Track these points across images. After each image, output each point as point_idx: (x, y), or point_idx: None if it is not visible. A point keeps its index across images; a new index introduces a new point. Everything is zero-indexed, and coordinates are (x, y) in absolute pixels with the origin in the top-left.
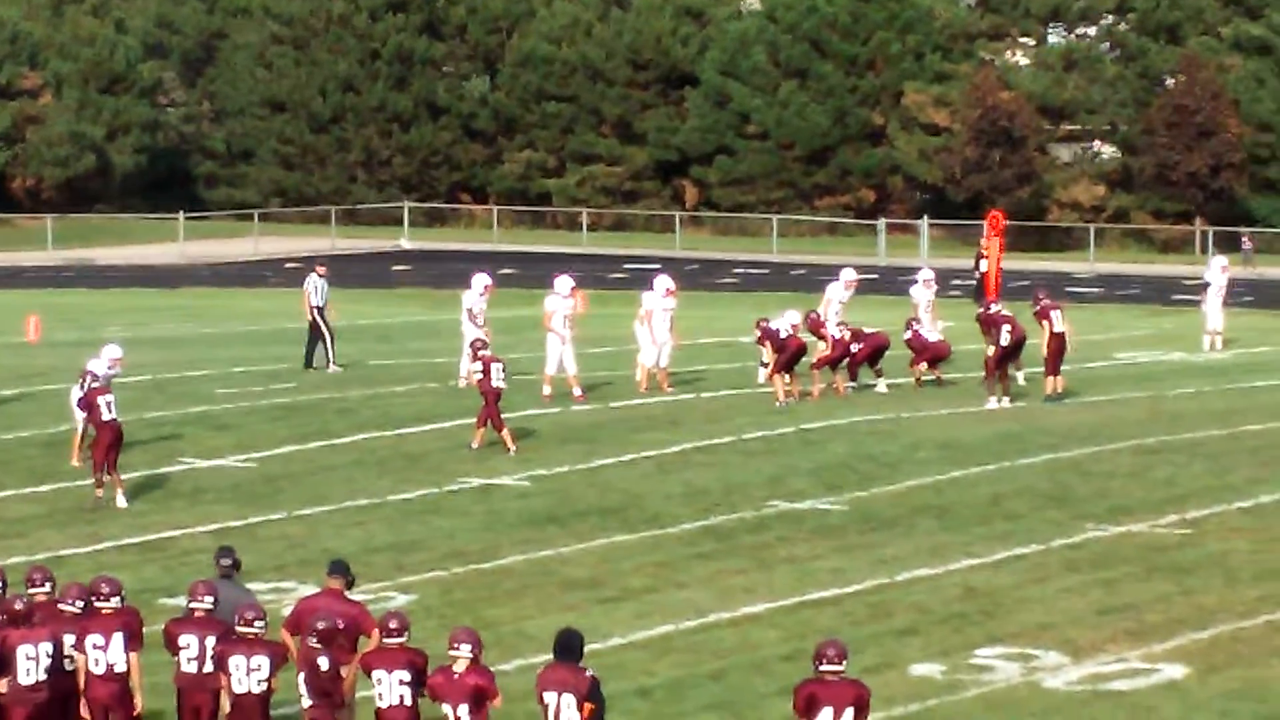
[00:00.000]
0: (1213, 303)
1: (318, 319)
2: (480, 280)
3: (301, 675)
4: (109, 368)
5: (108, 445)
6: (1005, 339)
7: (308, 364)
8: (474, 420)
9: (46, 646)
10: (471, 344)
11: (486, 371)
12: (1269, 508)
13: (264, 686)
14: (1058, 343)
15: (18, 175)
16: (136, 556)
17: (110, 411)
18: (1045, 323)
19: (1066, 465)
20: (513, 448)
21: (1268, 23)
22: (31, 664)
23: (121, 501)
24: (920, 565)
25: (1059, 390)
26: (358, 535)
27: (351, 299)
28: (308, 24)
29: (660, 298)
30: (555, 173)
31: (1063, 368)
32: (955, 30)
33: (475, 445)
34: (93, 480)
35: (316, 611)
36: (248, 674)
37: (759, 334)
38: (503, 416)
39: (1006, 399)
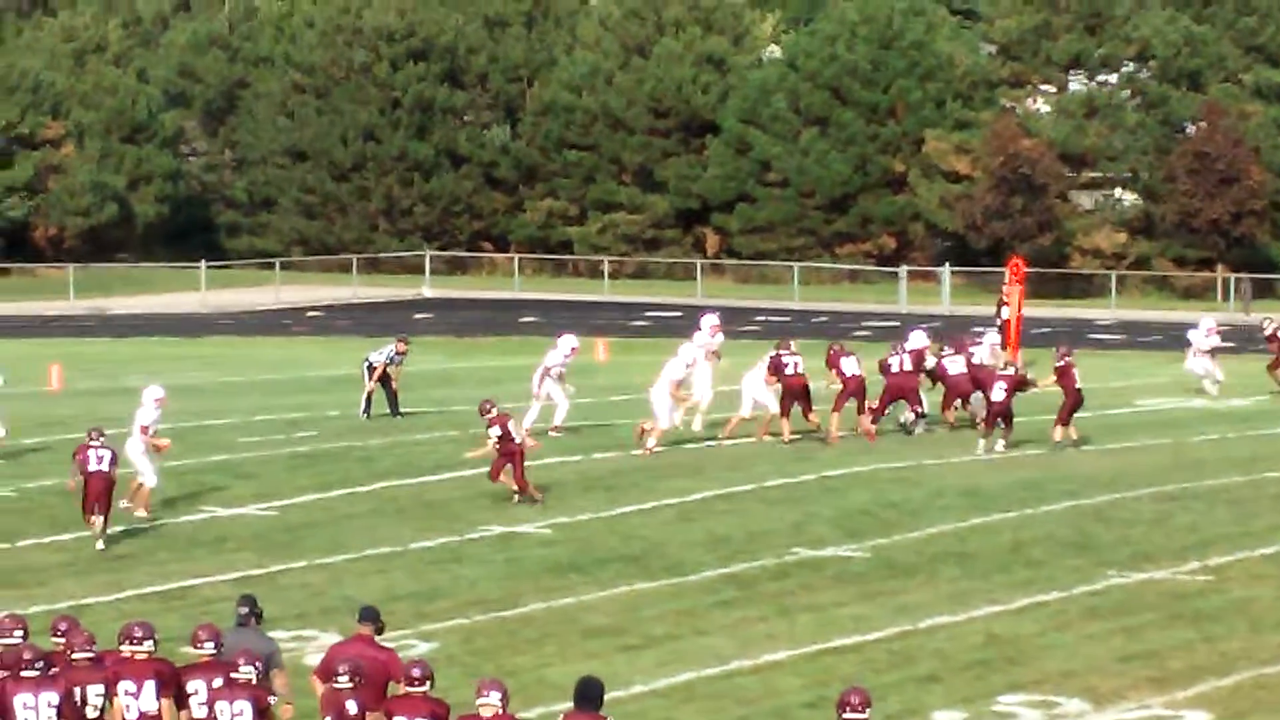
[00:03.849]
0: (1193, 361)
1: (385, 377)
2: (568, 342)
3: None
4: (155, 408)
5: (96, 494)
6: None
7: (394, 411)
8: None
9: (49, 697)
10: (481, 406)
11: (506, 432)
12: None
13: None
14: (1077, 398)
15: (40, 225)
16: (158, 605)
17: (100, 464)
18: (1066, 380)
19: (1088, 512)
20: (539, 497)
21: None
22: (30, 714)
23: (100, 545)
24: (942, 612)
25: (1075, 438)
26: (379, 583)
27: (373, 347)
28: (329, 73)
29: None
30: (576, 221)
31: (1082, 414)
32: (976, 78)
33: (534, 494)
34: (91, 525)
35: (347, 660)
36: (231, 719)
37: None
38: (528, 464)
39: (1002, 443)
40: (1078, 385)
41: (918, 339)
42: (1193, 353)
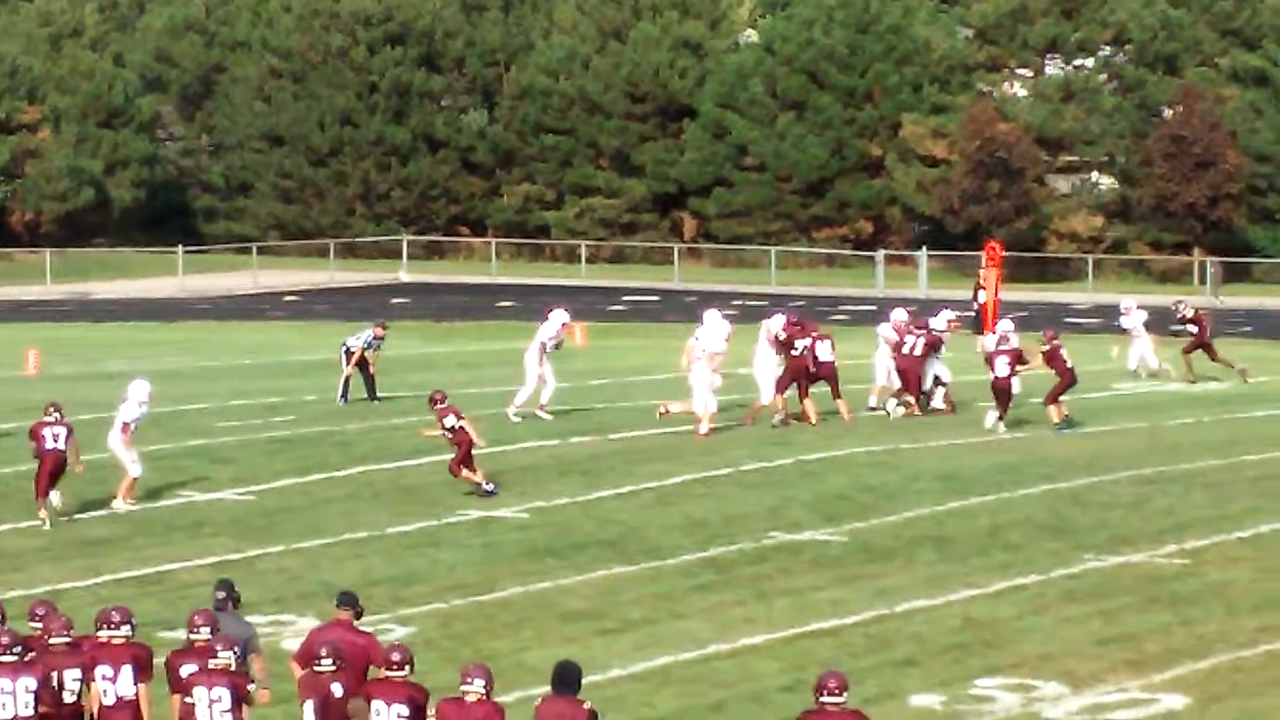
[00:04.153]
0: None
1: (363, 362)
2: (559, 316)
3: (309, 704)
4: (139, 407)
5: (49, 473)
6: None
7: (372, 396)
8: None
9: (27, 681)
10: (432, 397)
11: (458, 422)
12: (1268, 538)
13: (227, 718)
14: (1070, 378)
15: (16, 210)
16: (135, 590)
17: (55, 442)
18: (1055, 362)
19: (1065, 496)
20: (489, 485)
21: (1265, 54)
22: (8, 699)
23: (47, 525)
24: (919, 596)
25: (1063, 416)
26: (356, 568)
27: (350, 332)
28: (306, 58)
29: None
30: (553, 205)
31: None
32: (953, 62)
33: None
34: (39, 505)
35: (327, 643)
36: (209, 705)
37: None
38: (506, 447)
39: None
40: (1070, 365)
41: (897, 314)
42: (1135, 342)
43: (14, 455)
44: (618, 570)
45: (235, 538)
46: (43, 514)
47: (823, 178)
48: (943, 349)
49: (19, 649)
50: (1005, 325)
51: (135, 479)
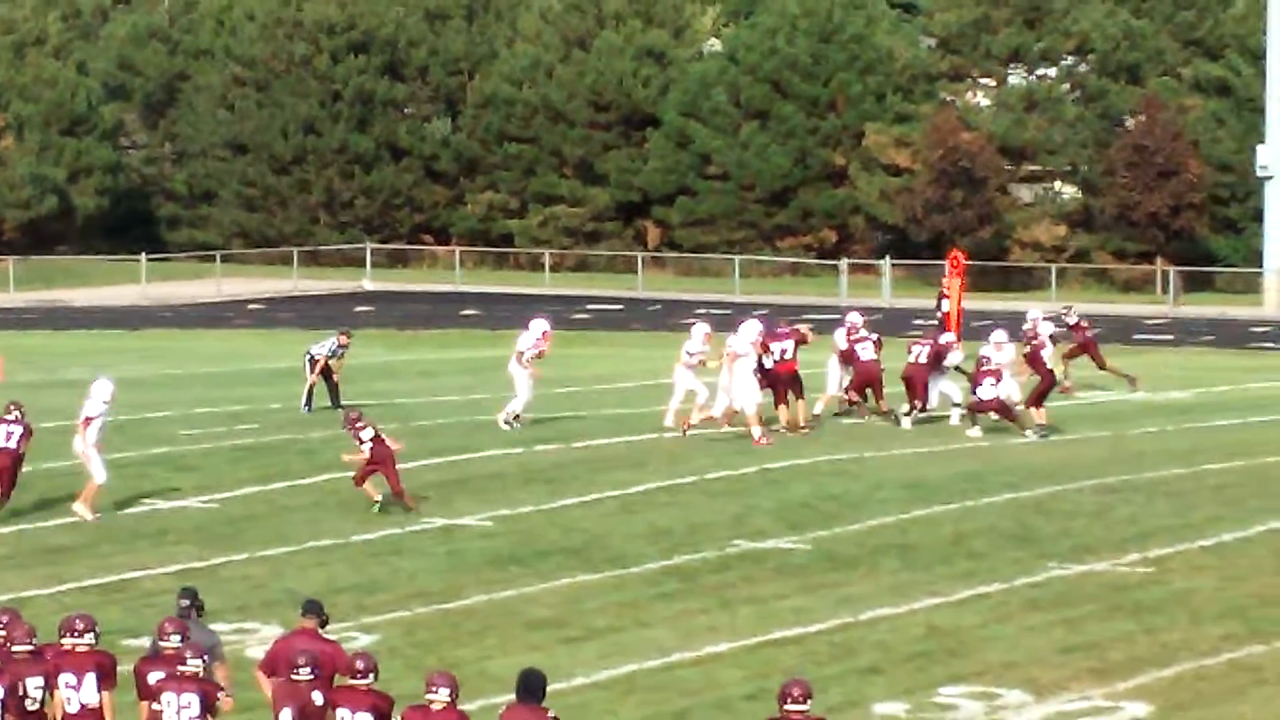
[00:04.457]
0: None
1: (326, 370)
2: (539, 325)
3: (287, 712)
4: (103, 404)
5: (2, 468)
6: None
7: (335, 404)
8: (434, 461)
9: None
10: (347, 417)
11: (378, 435)
12: (1231, 546)
13: None
14: (1050, 379)
15: None
16: (99, 598)
17: (8, 441)
18: (1034, 364)
19: (1029, 504)
20: (413, 505)
21: (1227, 63)
22: None
23: None
24: (883, 604)
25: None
26: (320, 576)
27: (314, 340)
28: (269, 66)
29: (699, 345)
30: (517, 214)
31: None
32: (916, 71)
33: (409, 502)
34: None
35: (292, 651)
36: (178, 711)
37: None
38: (470, 455)
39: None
40: (1050, 367)
41: (852, 317)
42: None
43: None
44: (582, 578)
45: (199, 545)
46: None
47: (786, 187)
48: (948, 359)
49: None
50: (999, 336)
51: (99, 485)
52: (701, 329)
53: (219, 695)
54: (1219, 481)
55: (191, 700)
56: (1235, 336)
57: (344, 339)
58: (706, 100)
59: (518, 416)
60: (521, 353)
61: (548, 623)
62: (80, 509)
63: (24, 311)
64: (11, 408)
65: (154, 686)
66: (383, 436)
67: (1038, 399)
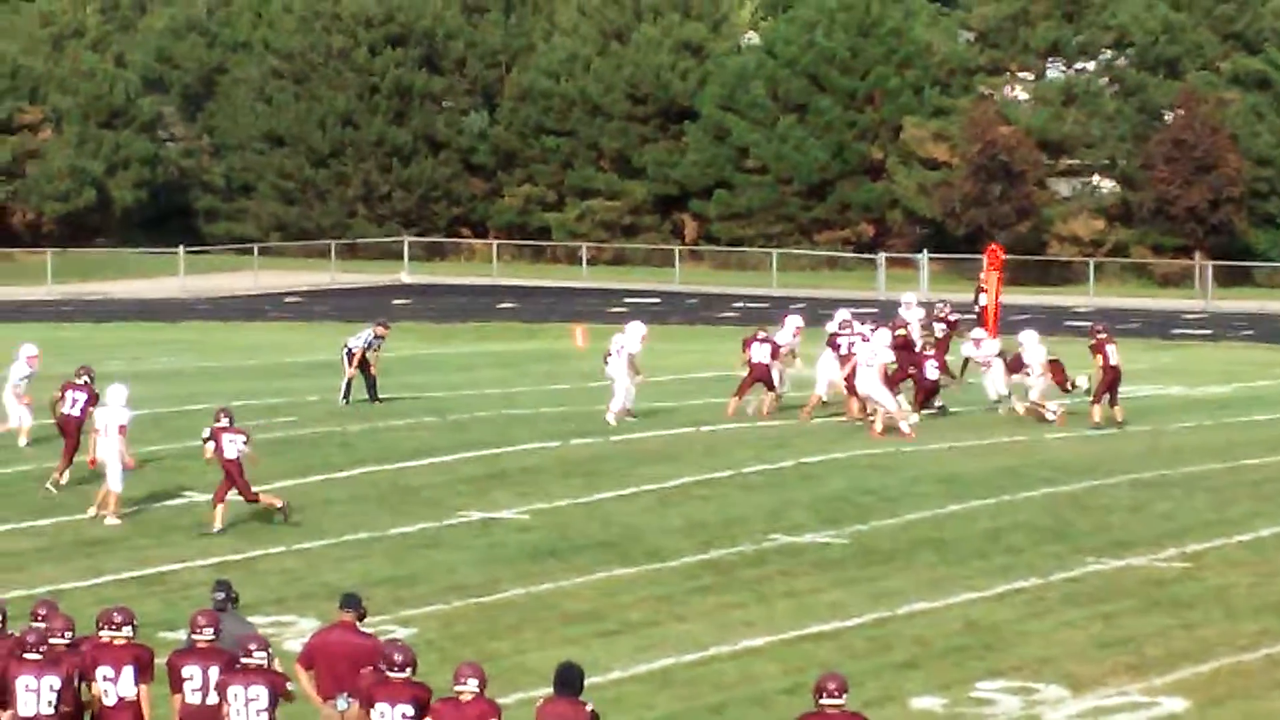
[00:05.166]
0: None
1: (364, 363)
2: (638, 328)
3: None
4: (29, 366)
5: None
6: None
7: (373, 398)
8: (471, 454)
9: (51, 680)
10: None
11: (219, 446)
12: (1269, 541)
13: (263, 717)
14: (1113, 374)
15: (18, 210)
16: (136, 590)
17: (73, 408)
18: (1099, 355)
19: (1065, 499)
20: (281, 512)
21: (1266, 57)
22: (32, 696)
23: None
24: (920, 599)
25: (1119, 419)
26: (357, 569)
27: (351, 333)
28: (307, 59)
29: (790, 337)
30: (554, 207)
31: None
32: (954, 65)
33: (217, 527)
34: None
35: (331, 645)
36: (245, 704)
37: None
38: (507, 449)
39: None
40: (1114, 363)
41: (841, 314)
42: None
43: (16, 454)
44: (618, 572)
45: (236, 538)
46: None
47: (824, 180)
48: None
49: (45, 648)
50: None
51: (116, 495)
52: (794, 321)
53: (287, 685)
54: (1257, 477)
55: (260, 693)
56: (1274, 331)
57: (381, 330)
58: (744, 94)
59: (630, 412)
60: (630, 354)
61: (584, 616)
62: (108, 517)
63: (61, 304)
64: (81, 372)
65: (221, 681)
66: (223, 448)
67: (1099, 394)
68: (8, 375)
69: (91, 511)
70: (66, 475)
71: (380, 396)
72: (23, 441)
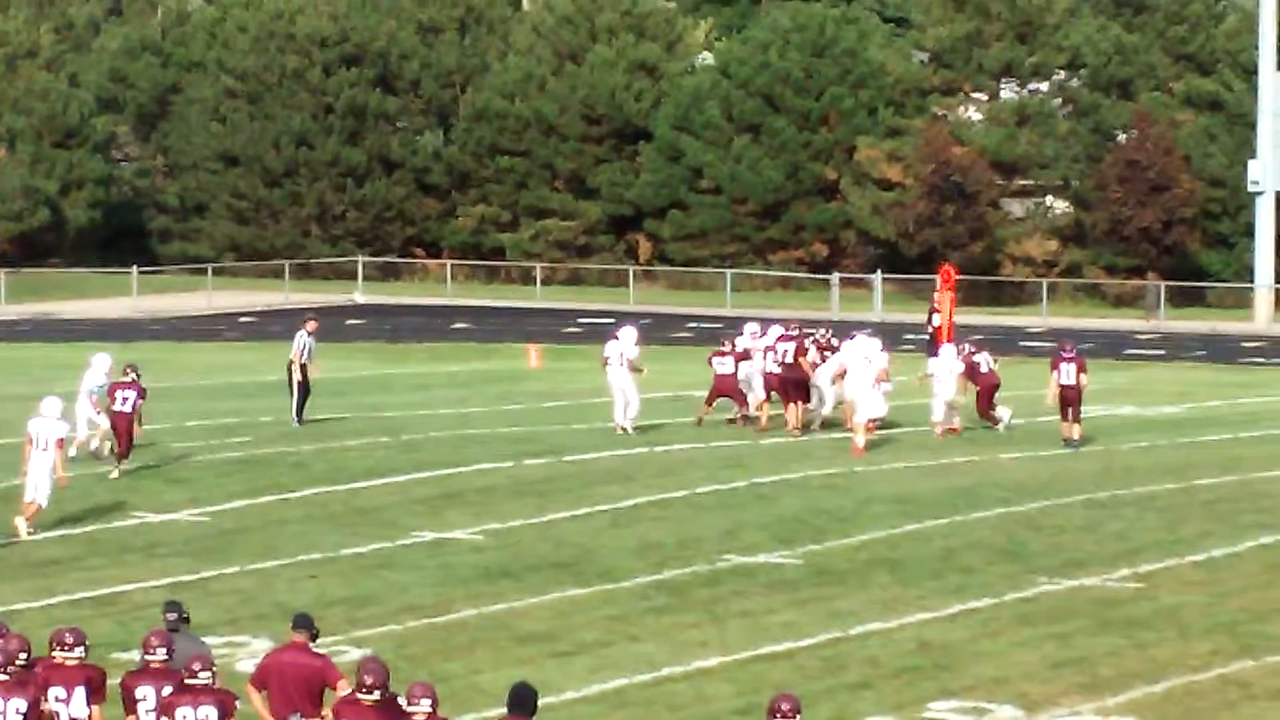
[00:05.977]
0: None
1: (302, 375)
2: (631, 333)
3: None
4: (106, 374)
5: (122, 433)
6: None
7: (299, 418)
8: (425, 474)
9: (18, 703)
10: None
11: (112, 397)
12: (1221, 561)
13: None
14: (1069, 393)
15: None
16: (90, 611)
17: (124, 405)
18: (1055, 372)
19: (1019, 519)
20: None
21: (1219, 78)
22: None
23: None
24: (874, 619)
25: (1075, 437)
26: (311, 589)
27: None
28: (261, 79)
29: (750, 340)
30: (509, 227)
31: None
32: (908, 85)
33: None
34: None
35: (283, 666)
36: None
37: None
38: (461, 469)
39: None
40: (1066, 381)
41: (749, 328)
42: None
43: None
44: (572, 592)
45: (190, 558)
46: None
47: (778, 201)
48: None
49: (12, 668)
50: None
51: (40, 507)
52: (751, 327)
53: (236, 704)
54: (1209, 497)
55: (210, 713)
56: (1226, 351)
57: (311, 327)
58: (698, 114)
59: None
60: (624, 357)
61: (538, 637)
62: (20, 524)
63: (16, 324)
64: (128, 370)
65: (167, 701)
66: (129, 404)
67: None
68: (81, 385)
69: (28, 530)
70: (125, 463)
71: (304, 419)
72: (94, 446)
